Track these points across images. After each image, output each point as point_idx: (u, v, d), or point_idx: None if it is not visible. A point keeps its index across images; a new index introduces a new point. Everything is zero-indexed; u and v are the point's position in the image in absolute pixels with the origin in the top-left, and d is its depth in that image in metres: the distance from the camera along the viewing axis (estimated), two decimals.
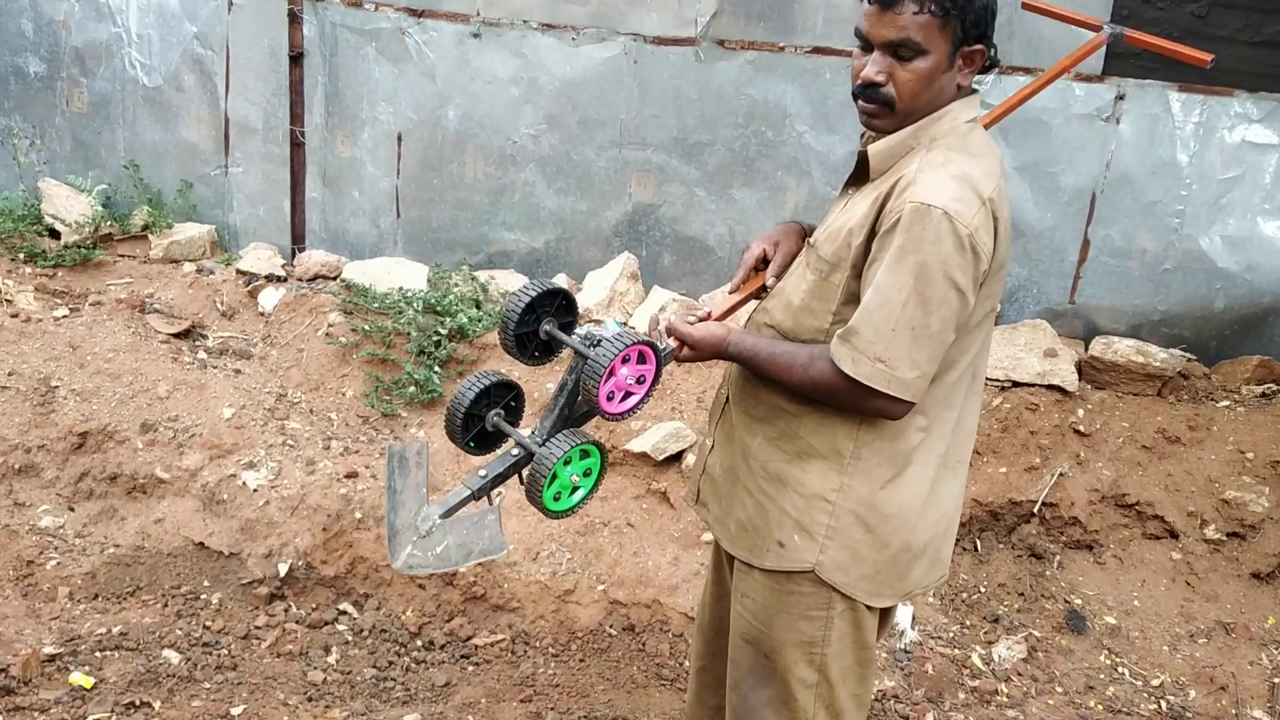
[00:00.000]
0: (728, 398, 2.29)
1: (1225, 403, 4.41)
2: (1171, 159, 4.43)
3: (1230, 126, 4.37)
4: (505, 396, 2.25)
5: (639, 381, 2.10)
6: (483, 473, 2.13)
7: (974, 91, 2.10)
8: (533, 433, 2.19)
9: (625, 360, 2.04)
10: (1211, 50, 4.23)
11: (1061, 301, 4.66)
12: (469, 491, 2.11)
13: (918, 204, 1.88)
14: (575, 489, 2.11)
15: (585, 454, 2.09)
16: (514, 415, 2.27)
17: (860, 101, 2.04)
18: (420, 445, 2.21)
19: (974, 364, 2.11)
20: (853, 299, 2.00)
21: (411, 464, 2.17)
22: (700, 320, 2.18)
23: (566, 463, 2.05)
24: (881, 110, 2.01)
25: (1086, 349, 4.55)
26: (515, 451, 2.16)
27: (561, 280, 4.93)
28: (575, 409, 2.19)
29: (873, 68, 1.98)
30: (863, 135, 2.21)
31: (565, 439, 2.04)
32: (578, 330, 2.19)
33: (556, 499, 2.08)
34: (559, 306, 2.26)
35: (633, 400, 2.11)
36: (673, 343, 2.15)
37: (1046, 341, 4.47)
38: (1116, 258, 4.58)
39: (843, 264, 2.02)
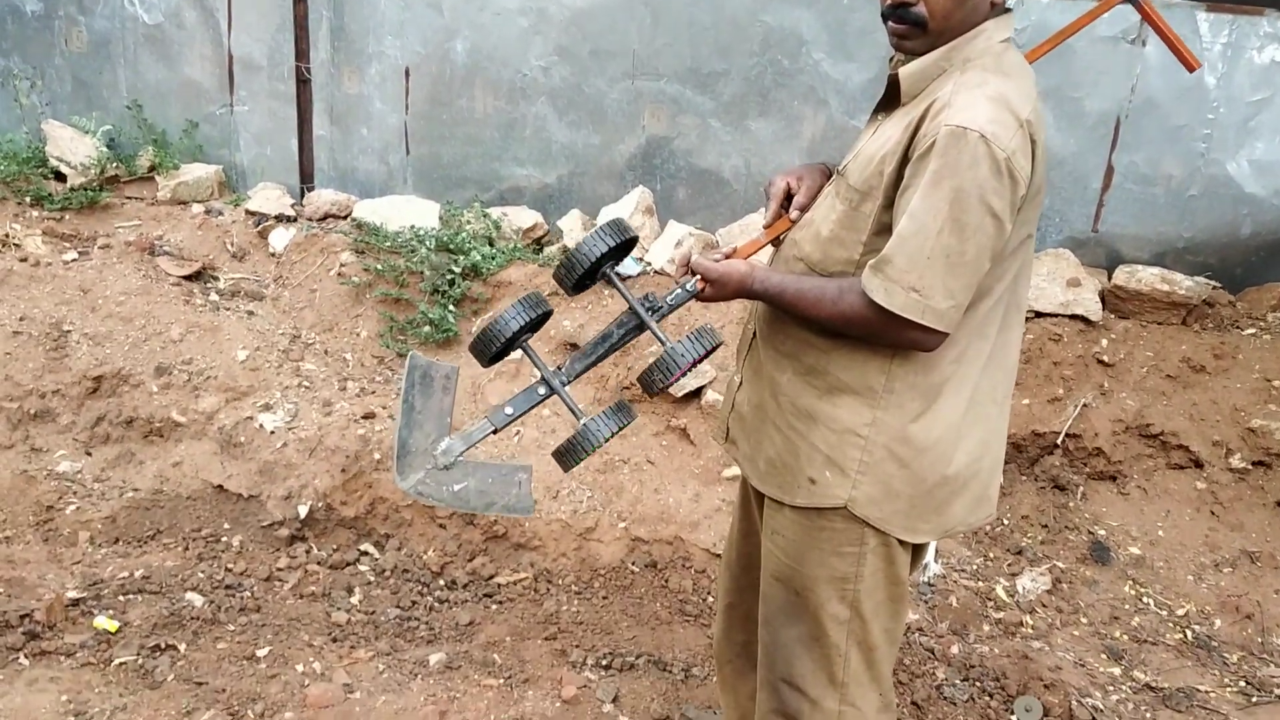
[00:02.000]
0: (755, 333, 2.24)
1: (1251, 330, 4.34)
2: (1198, 81, 4.32)
3: (1259, 47, 4.25)
4: (538, 320, 2.17)
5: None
6: (509, 410, 2.07)
7: (1007, 10, 2.02)
8: (558, 369, 2.13)
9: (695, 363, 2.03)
10: None
11: (1084, 230, 4.58)
12: (492, 428, 2.06)
13: (953, 127, 1.80)
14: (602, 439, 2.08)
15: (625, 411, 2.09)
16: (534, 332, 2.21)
17: (890, 22, 1.96)
18: (450, 369, 2.12)
19: (1011, 293, 2.04)
20: (884, 229, 1.93)
21: (437, 386, 2.09)
22: (727, 256, 2.12)
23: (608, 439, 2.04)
24: (912, 30, 1.94)
25: (1110, 278, 4.48)
26: (542, 390, 2.10)
27: (575, 216, 4.85)
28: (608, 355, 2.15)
29: None
30: (891, 58, 2.13)
31: (612, 418, 2.04)
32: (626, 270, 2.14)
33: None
34: (621, 248, 2.17)
35: (674, 375, 2.05)
36: (696, 281, 2.09)
37: (1069, 271, 4.40)
38: (1141, 184, 4.48)
39: (874, 192, 1.95)
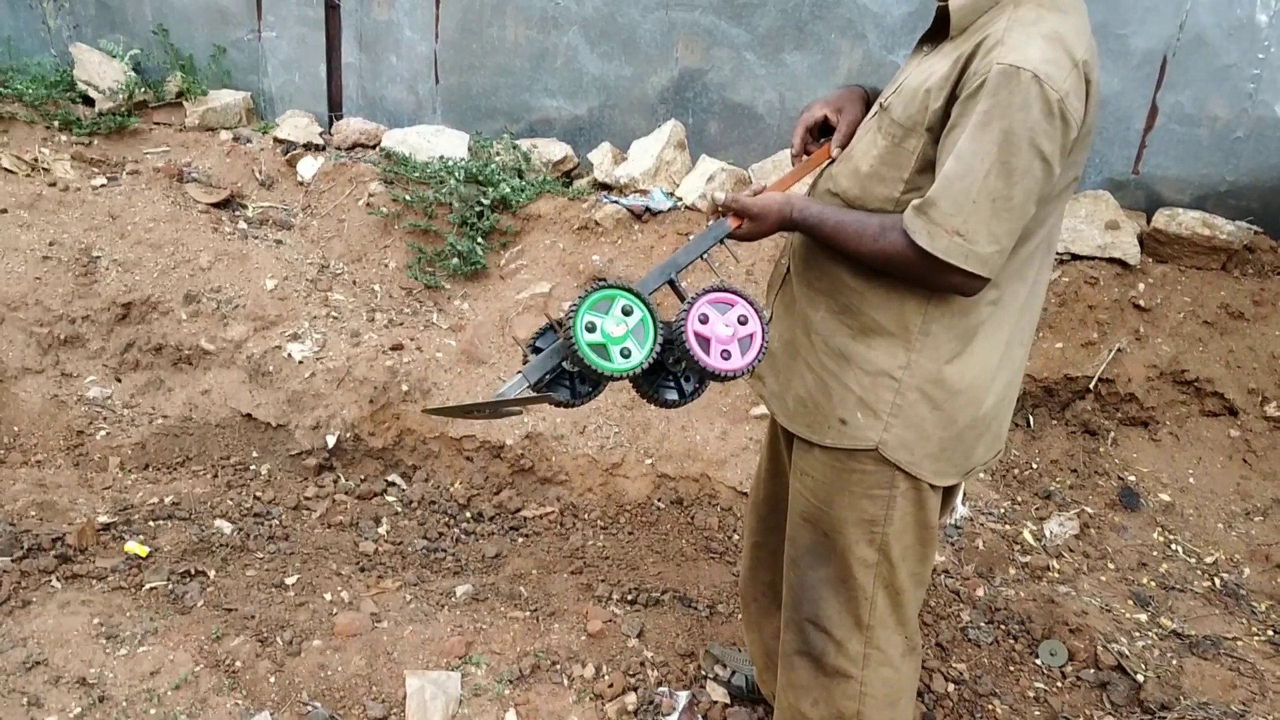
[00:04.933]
0: (789, 269, 2.20)
1: None
2: (1250, 19, 4.18)
3: None
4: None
5: (741, 322, 1.94)
6: (535, 360, 1.99)
7: None
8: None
9: (704, 320, 1.90)
10: None
11: (1125, 172, 4.47)
12: (521, 375, 1.98)
13: (1006, 66, 1.74)
14: (625, 343, 1.90)
15: (627, 309, 1.92)
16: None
17: None
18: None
19: (1049, 235, 2.00)
20: (928, 166, 1.88)
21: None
22: (759, 191, 2.07)
23: (597, 308, 1.89)
24: None
25: (1149, 221, 4.39)
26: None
27: (605, 150, 4.79)
28: None
29: None
30: None
31: (589, 288, 1.91)
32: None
33: (604, 355, 1.89)
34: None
35: (756, 348, 1.94)
36: (730, 221, 2.04)
37: (1108, 213, 4.31)
38: (1185, 125, 4.37)
39: (918, 128, 1.89)
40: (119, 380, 3.97)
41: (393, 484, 3.71)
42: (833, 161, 2.11)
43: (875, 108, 2.06)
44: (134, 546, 3.15)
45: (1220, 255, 4.26)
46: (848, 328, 2.03)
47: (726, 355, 1.93)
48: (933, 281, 1.88)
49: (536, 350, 2.05)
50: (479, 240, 4.41)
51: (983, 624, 3.23)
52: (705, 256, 2.06)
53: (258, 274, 4.23)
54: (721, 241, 2.05)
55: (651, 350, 1.93)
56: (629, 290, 1.92)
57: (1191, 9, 4.21)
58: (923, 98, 1.88)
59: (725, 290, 1.95)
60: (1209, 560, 3.64)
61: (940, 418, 2.01)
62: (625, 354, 1.90)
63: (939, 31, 1.96)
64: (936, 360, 1.97)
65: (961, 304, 1.94)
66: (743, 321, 1.95)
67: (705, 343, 1.92)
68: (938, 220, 1.79)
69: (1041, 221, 1.92)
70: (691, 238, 2.05)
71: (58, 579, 2.97)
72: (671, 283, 2.04)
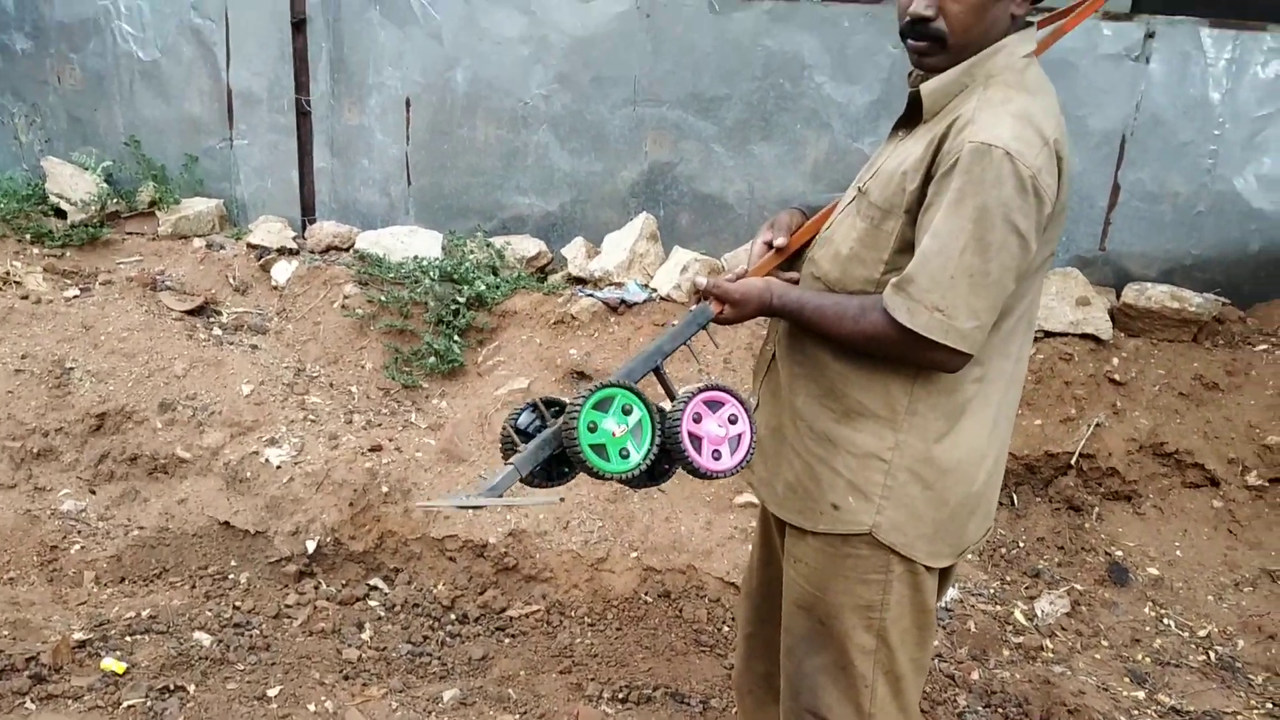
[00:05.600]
0: (773, 354, 2.20)
1: (1263, 346, 4.31)
2: (1203, 98, 4.31)
3: (1264, 62, 4.24)
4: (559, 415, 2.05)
5: (731, 421, 1.95)
6: (523, 449, 1.95)
7: (1029, 24, 1.99)
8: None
9: (697, 419, 1.91)
10: None
11: (1092, 248, 4.55)
12: (513, 467, 1.92)
13: (977, 144, 1.77)
14: (625, 444, 1.90)
15: (626, 409, 1.90)
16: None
17: (909, 40, 1.93)
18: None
19: (1029, 311, 2.01)
20: (906, 247, 1.89)
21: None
22: (739, 277, 2.08)
23: (599, 407, 1.88)
24: (932, 47, 1.90)
25: (1119, 296, 4.45)
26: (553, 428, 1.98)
27: (579, 244, 4.82)
28: None
29: (920, 2, 1.88)
30: (910, 74, 2.09)
31: (592, 386, 1.90)
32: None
33: (603, 455, 1.88)
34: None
35: (744, 448, 1.96)
36: (712, 306, 2.04)
37: (1078, 290, 4.37)
38: (1147, 202, 4.47)
39: (896, 210, 1.91)
40: (93, 492, 3.90)
41: (375, 588, 3.64)
42: (781, 253, 2.11)
43: (853, 191, 2.09)
44: (110, 663, 3.06)
45: (1191, 327, 4.32)
46: (833, 411, 2.02)
47: (717, 455, 1.94)
48: (915, 359, 1.88)
49: (519, 430, 2.03)
50: (455, 338, 4.41)
51: (980, 708, 3.17)
52: (688, 343, 2.05)
53: (233, 380, 4.20)
54: (704, 327, 2.05)
55: (650, 451, 1.93)
56: (630, 389, 1.91)
57: (1146, 90, 4.33)
58: (899, 180, 1.91)
59: (718, 389, 1.96)
60: (1202, 633, 3.61)
61: (932, 498, 1.99)
62: (624, 455, 1.90)
63: (912, 116, 2.00)
64: (925, 440, 1.97)
65: (947, 382, 1.94)
66: (733, 420, 1.96)
67: (697, 442, 1.93)
68: (917, 296, 1.80)
69: (1021, 297, 1.93)
70: (674, 324, 2.04)
71: (32, 700, 2.87)
72: (657, 370, 2.04)
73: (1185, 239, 4.48)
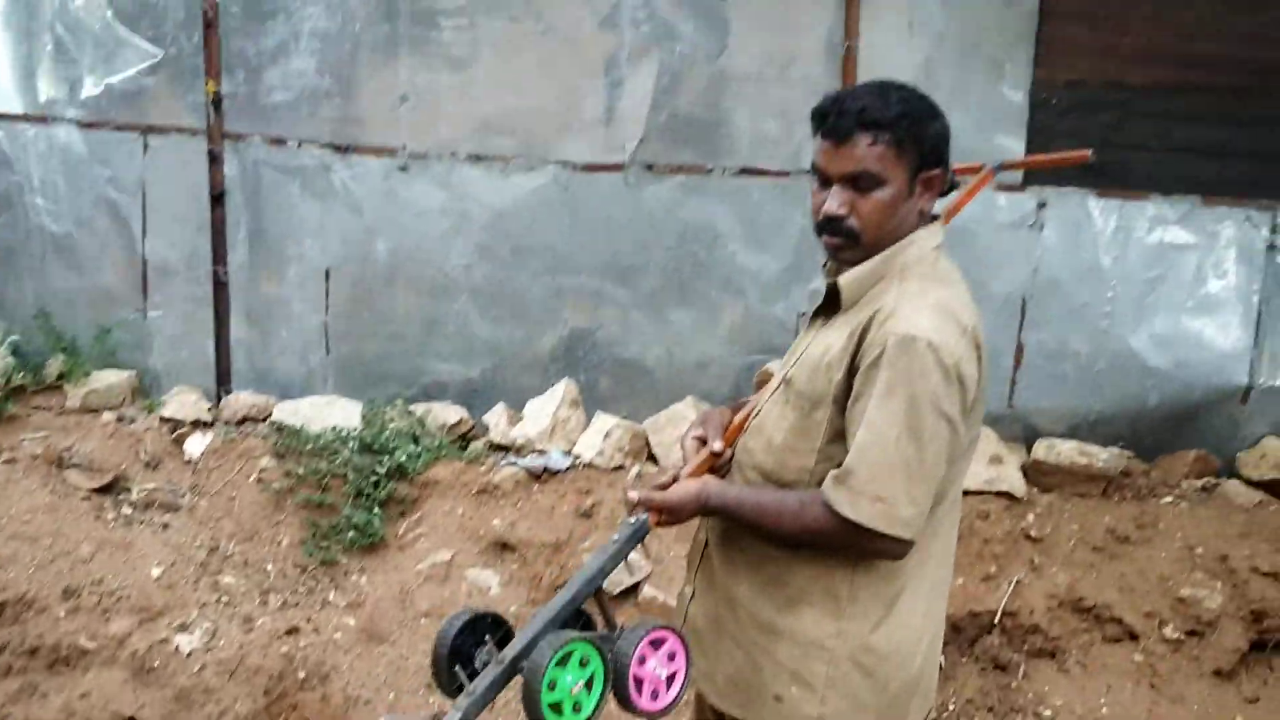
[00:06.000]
0: (707, 541, 2.21)
1: (1168, 499, 4.45)
2: (1095, 262, 4.54)
3: (1148, 229, 4.50)
4: (492, 632, 2.02)
5: (670, 658, 1.95)
6: (470, 689, 1.88)
7: (936, 217, 2.10)
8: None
9: (641, 660, 1.91)
10: (1124, 157, 4.43)
11: (1001, 406, 4.69)
12: (460, 714, 1.84)
13: (901, 336, 1.85)
14: (577, 705, 1.87)
15: (584, 661, 1.87)
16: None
17: (825, 236, 2.02)
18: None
19: (957, 492, 2.07)
20: (837, 436, 1.95)
21: None
22: (670, 482, 2.08)
23: (561, 664, 1.84)
24: (847, 243, 1.99)
25: (1029, 452, 4.58)
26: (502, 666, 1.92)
27: (500, 411, 4.83)
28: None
29: (834, 201, 1.97)
30: (824, 265, 2.18)
31: (553, 641, 1.85)
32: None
33: (558, 712, 1.85)
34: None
35: (679, 684, 1.96)
36: (648, 517, 2.03)
37: (991, 448, 4.49)
38: (1051, 360, 4.64)
39: (824, 400, 1.96)
40: None
41: None
42: (718, 458, 2.14)
43: (778, 381, 2.14)
44: None
45: (1100, 482, 4.45)
46: (774, 600, 2.03)
47: (655, 694, 1.93)
48: (860, 549, 1.91)
49: (456, 651, 1.97)
50: (376, 510, 4.34)
51: None
52: (621, 542, 2.03)
53: (143, 562, 4.06)
54: (641, 540, 2.04)
55: (600, 703, 1.90)
56: (589, 641, 1.89)
57: (1043, 255, 4.55)
58: (825, 370, 1.97)
59: (662, 628, 1.96)
60: None
61: (873, 685, 2.00)
62: (576, 708, 1.87)
63: (831, 305, 2.07)
64: (865, 626, 1.99)
65: (886, 568, 1.98)
66: (671, 657, 1.95)
67: (639, 683, 1.91)
68: (857, 488, 1.84)
69: (951, 481, 1.99)
70: (613, 537, 2.03)
71: None
72: (599, 592, 2.01)
73: (1088, 395, 4.65)
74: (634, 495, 2.04)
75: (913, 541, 1.89)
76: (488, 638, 2.00)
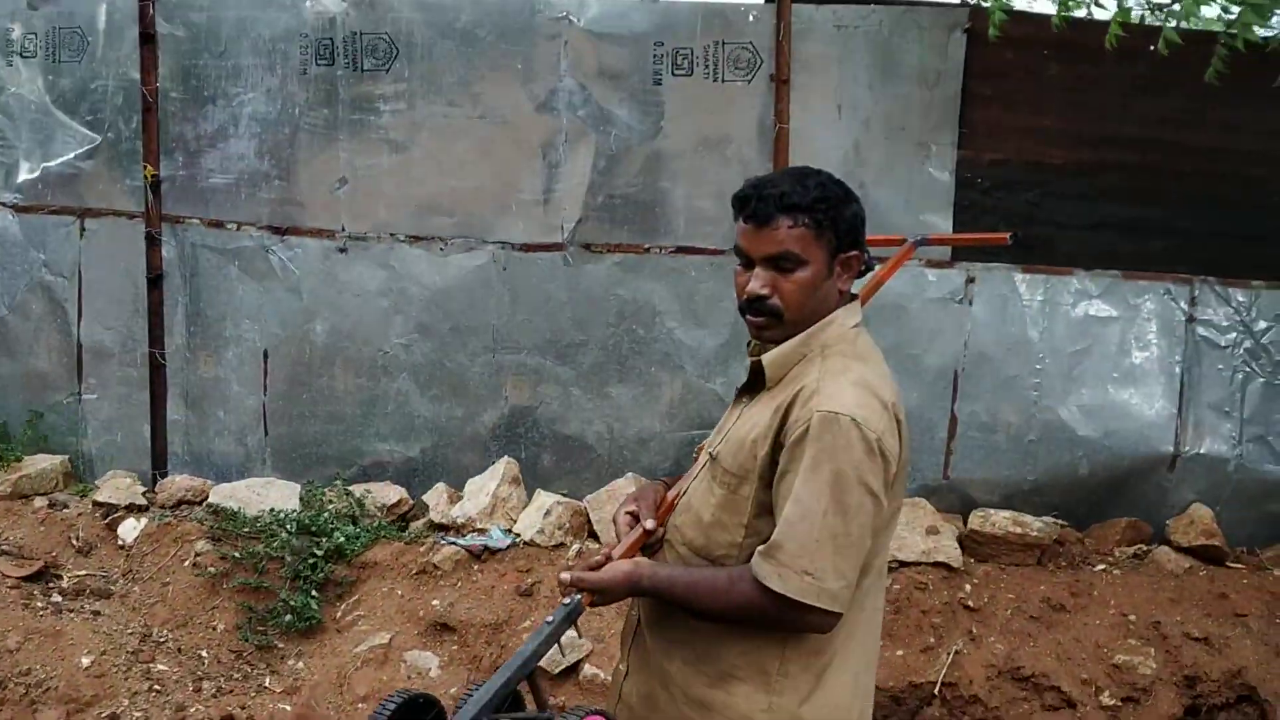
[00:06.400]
0: (639, 619, 2.22)
1: (1101, 566, 4.52)
2: (1023, 335, 4.66)
3: (1073, 303, 4.63)
4: (425, 714, 2.03)
5: None
6: None
7: (854, 297, 2.17)
8: None
9: None
10: (1048, 233, 4.58)
11: (936, 477, 4.77)
12: None
13: (825, 413, 1.90)
14: None
15: None
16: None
17: (749, 316, 2.08)
18: None
19: (881, 565, 2.11)
20: (764, 510, 1.98)
21: None
22: (601, 563, 2.10)
23: None
24: (770, 321, 2.05)
25: (965, 523, 4.64)
26: None
27: (440, 490, 4.81)
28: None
29: (756, 282, 2.03)
30: (748, 344, 2.24)
31: None
32: None
33: None
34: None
35: None
36: (581, 597, 2.05)
37: (927, 519, 4.55)
38: (983, 432, 4.73)
39: (750, 475, 2.01)
40: None
41: None
42: (649, 535, 2.17)
43: (705, 458, 2.18)
44: None
45: (1034, 551, 4.52)
46: (706, 675, 2.05)
47: None
48: (789, 623, 1.94)
49: None
50: (313, 594, 4.29)
51: None
52: (555, 623, 2.04)
53: (72, 651, 3.97)
54: (574, 621, 2.06)
55: None
56: None
57: (972, 329, 4.66)
58: (750, 447, 2.02)
59: (595, 713, 1.96)
60: None
61: None
62: None
63: (754, 383, 2.12)
64: (795, 700, 2.01)
65: (814, 642, 2.00)
66: None
67: None
68: (785, 562, 1.88)
69: (875, 553, 2.03)
70: (547, 619, 2.05)
71: None
72: (530, 676, 2.02)
73: (1021, 466, 4.74)
74: (566, 576, 2.07)
75: (840, 614, 1.92)
76: None
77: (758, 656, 2.01)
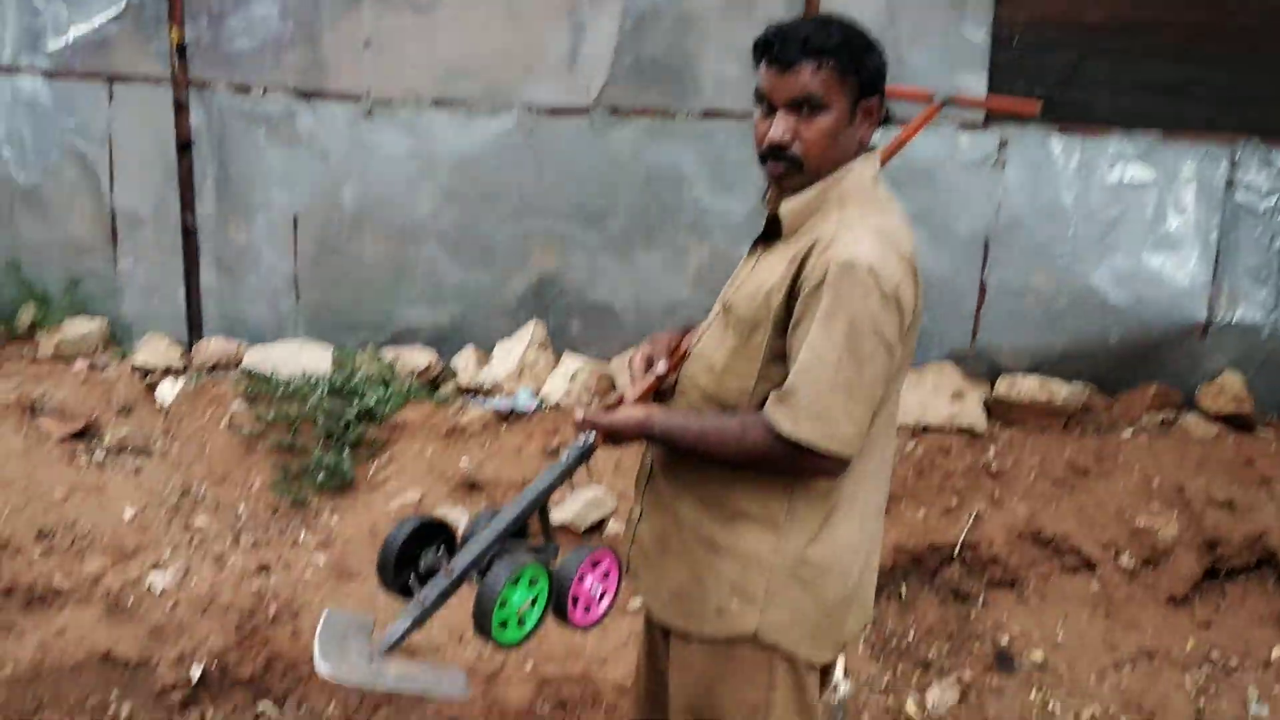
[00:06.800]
0: (652, 464, 2.26)
1: (1128, 433, 4.52)
2: (1057, 200, 4.58)
3: (1109, 166, 4.53)
4: (438, 537, 2.13)
5: (604, 577, 2.11)
6: (421, 597, 1.98)
7: (873, 148, 2.14)
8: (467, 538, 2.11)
9: (581, 579, 2.05)
10: (1085, 94, 4.46)
11: (964, 344, 4.75)
12: (411, 620, 1.96)
13: (843, 261, 1.89)
14: (522, 620, 2.00)
15: (533, 580, 2.00)
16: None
17: (768, 163, 2.06)
18: (364, 620, 2.05)
19: (890, 411, 2.12)
20: (776, 357, 2.00)
21: (352, 626, 2.02)
22: (616, 405, 2.15)
23: (514, 583, 1.95)
24: (790, 169, 2.03)
25: (992, 389, 4.64)
26: (445, 579, 2.01)
27: (469, 354, 4.87)
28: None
29: (778, 128, 2.01)
30: (764, 195, 2.22)
31: (509, 562, 1.96)
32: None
33: (504, 626, 1.97)
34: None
35: (605, 604, 2.12)
36: (594, 437, 2.10)
37: (953, 384, 4.55)
38: (1013, 299, 4.69)
39: (764, 323, 2.01)
40: None
41: (263, 714, 3.55)
42: (660, 380, 2.20)
43: (718, 306, 2.19)
44: None
45: (1060, 416, 4.52)
46: (716, 517, 2.09)
47: (587, 609, 2.09)
48: (799, 468, 1.96)
49: (404, 556, 2.05)
50: (345, 453, 4.39)
51: None
52: (568, 462, 2.11)
53: (115, 504, 4.11)
54: (586, 459, 2.11)
55: (541, 618, 2.04)
56: (541, 564, 2.01)
57: (1005, 194, 4.58)
58: (764, 295, 2.02)
59: (602, 549, 2.10)
60: (1086, 715, 3.70)
61: (812, 597, 2.06)
62: (520, 622, 2.00)
63: (771, 234, 2.12)
64: (801, 541, 2.05)
65: (821, 485, 2.04)
66: (605, 575, 2.11)
67: (575, 600, 2.05)
68: (800, 407, 1.89)
69: (885, 401, 2.04)
70: (563, 456, 2.12)
71: None
72: (542, 510, 2.10)
73: (1050, 333, 4.70)
74: (580, 415, 2.11)
75: (850, 459, 1.95)
76: (437, 545, 2.09)
77: (766, 499, 2.04)
